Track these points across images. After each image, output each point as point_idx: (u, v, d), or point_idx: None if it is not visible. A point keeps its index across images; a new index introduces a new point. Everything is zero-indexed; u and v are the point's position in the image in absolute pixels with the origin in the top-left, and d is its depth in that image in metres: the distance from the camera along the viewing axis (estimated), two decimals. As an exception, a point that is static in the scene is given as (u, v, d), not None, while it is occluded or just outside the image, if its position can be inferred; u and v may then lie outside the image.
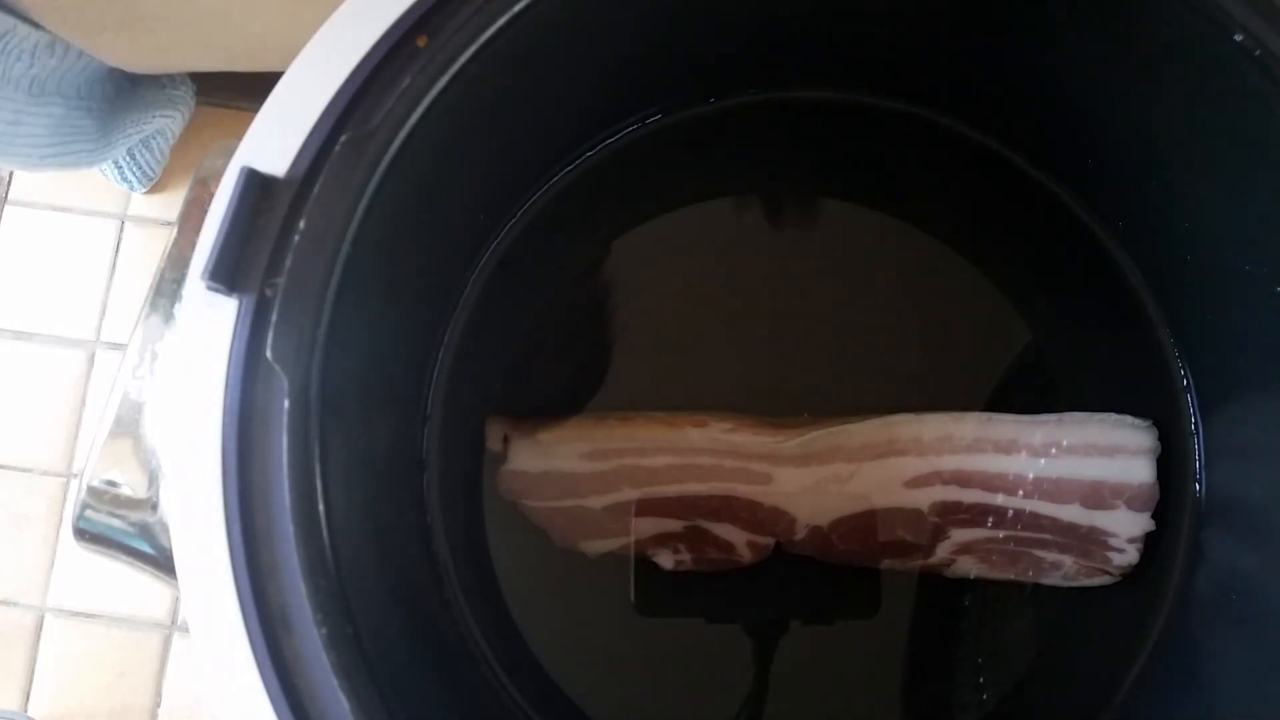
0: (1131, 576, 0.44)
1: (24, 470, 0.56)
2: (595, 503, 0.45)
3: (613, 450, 0.44)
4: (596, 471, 0.45)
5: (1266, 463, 0.40)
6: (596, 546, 0.45)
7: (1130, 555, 0.44)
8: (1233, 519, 0.42)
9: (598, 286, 0.48)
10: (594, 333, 0.48)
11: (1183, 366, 0.46)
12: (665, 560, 0.45)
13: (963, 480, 0.44)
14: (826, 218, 0.49)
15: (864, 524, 0.44)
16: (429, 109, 0.34)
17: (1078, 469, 0.44)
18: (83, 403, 0.57)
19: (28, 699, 0.54)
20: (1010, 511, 0.44)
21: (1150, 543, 0.44)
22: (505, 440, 0.45)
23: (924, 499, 0.44)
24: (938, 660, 0.45)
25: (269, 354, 0.31)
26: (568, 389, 0.47)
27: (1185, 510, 0.44)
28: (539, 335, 0.47)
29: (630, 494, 0.45)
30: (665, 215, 0.48)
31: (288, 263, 0.32)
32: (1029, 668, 0.45)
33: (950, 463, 0.44)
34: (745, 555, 0.45)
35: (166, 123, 0.67)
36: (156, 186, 0.59)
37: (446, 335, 0.47)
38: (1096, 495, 0.44)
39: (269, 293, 0.32)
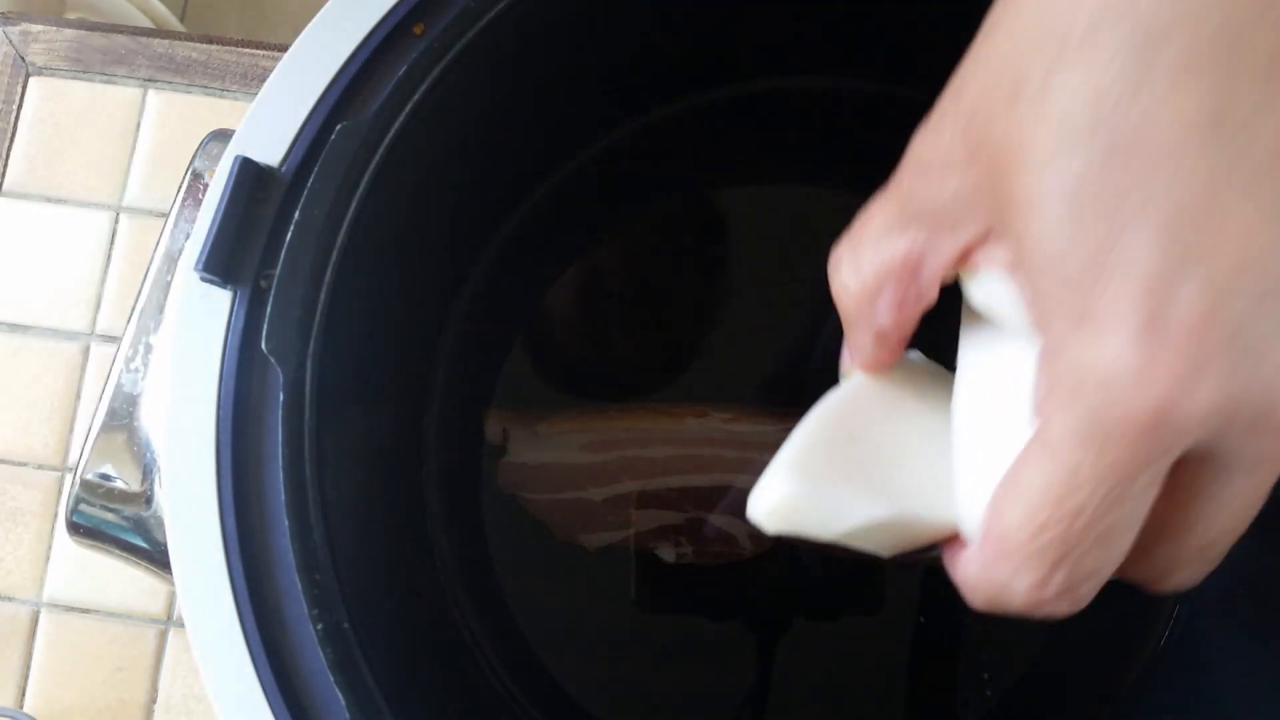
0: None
1: (18, 464, 0.56)
2: (595, 495, 0.44)
3: (613, 441, 0.44)
4: (597, 463, 0.44)
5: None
6: (597, 539, 0.45)
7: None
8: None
9: (600, 277, 0.48)
10: (596, 325, 0.47)
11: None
12: (667, 553, 0.45)
13: (966, 472, 0.44)
14: (834, 208, 0.48)
15: (866, 516, 0.44)
16: (425, 97, 0.33)
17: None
18: (77, 396, 0.57)
19: (23, 694, 0.54)
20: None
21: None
22: (504, 433, 0.45)
23: (927, 491, 0.44)
24: (941, 656, 0.45)
25: (264, 346, 0.31)
26: (569, 380, 0.47)
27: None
28: (540, 327, 0.47)
29: (631, 485, 0.44)
30: (668, 206, 0.48)
31: (283, 254, 0.31)
32: (1034, 663, 0.44)
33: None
34: (747, 547, 0.44)
35: None
36: (150, 177, 0.59)
37: (446, 327, 0.46)
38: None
39: (264, 284, 0.32)
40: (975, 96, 0.21)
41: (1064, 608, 0.21)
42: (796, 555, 0.45)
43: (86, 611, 0.54)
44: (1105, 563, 0.20)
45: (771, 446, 0.43)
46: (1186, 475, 0.20)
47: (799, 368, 0.47)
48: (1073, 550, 0.19)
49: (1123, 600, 0.40)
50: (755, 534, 0.44)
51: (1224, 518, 0.20)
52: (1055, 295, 0.19)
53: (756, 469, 0.43)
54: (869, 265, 0.23)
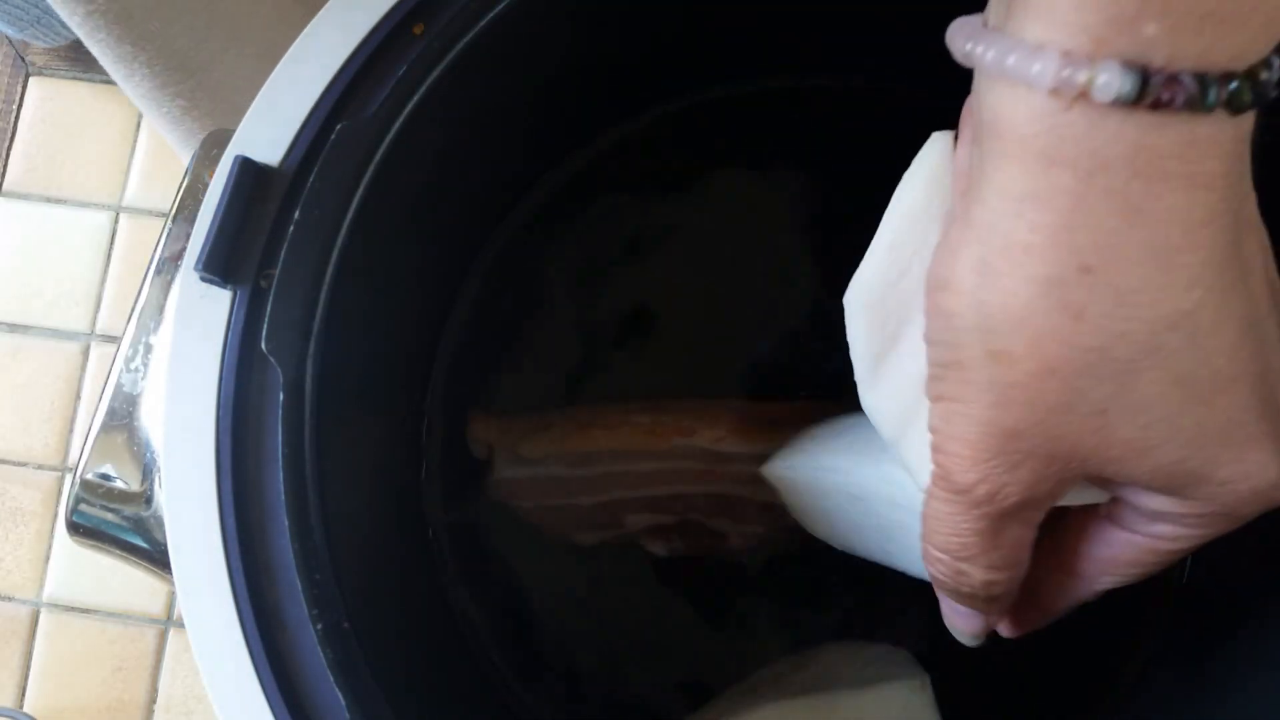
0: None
1: (19, 464, 0.56)
2: (585, 501, 0.44)
3: (599, 456, 0.44)
4: (584, 476, 0.44)
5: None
6: (589, 538, 0.45)
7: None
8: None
9: (597, 277, 0.48)
10: (593, 323, 0.47)
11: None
12: (659, 548, 0.45)
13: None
14: (838, 208, 0.48)
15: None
16: (425, 97, 0.33)
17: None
18: (77, 396, 0.57)
19: (24, 694, 0.54)
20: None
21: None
22: (489, 451, 0.44)
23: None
24: (932, 655, 0.45)
25: (264, 346, 0.31)
26: (567, 380, 0.47)
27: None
28: (539, 326, 0.47)
29: (620, 494, 0.44)
30: (667, 207, 0.48)
31: (283, 254, 0.31)
32: (1027, 661, 0.44)
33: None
34: (739, 545, 0.44)
35: None
36: (150, 177, 0.59)
37: (445, 326, 0.46)
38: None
39: (264, 284, 0.32)
40: None
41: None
42: (779, 550, 0.45)
43: (86, 611, 0.54)
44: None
45: (761, 461, 0.43)
46: None
47: (801, 369, 0.47)
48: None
49: (1114, 598, 0.40)
50: (744, 532, 0.44)
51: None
52: None
53: (745, 480, 0.43)
54: None
